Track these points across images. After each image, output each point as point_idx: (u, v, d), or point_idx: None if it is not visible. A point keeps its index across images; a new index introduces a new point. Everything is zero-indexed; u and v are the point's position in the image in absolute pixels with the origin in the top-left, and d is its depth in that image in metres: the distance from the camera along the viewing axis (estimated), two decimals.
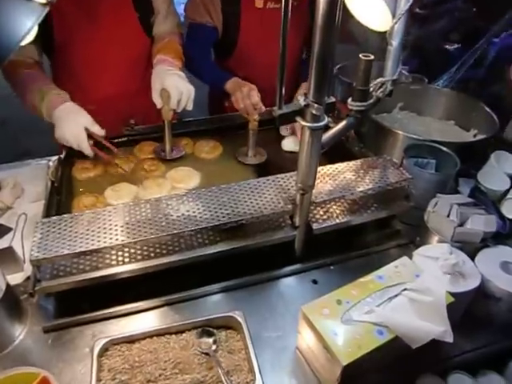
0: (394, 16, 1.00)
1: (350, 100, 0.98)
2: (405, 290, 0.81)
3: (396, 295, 0.81)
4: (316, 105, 0.77)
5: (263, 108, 1.34)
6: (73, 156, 1.36)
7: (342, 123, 0.97)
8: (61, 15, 1.27)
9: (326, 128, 0.87)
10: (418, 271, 0.85)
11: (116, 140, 1.41)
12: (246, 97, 1.34)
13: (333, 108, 0.84)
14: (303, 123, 0.80)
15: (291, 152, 1.45)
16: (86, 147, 1.21)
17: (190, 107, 1.27)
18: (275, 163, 1.40)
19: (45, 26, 1.26)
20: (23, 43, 0.60)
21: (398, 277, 0.85)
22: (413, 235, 1.10)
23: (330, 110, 0.83)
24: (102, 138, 1.26)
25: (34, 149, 1.85)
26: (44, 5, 0.62)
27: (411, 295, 0.78)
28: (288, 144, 1.46)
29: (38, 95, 1.25)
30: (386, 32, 1.02)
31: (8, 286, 0.88)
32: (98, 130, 1.23)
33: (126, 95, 1.50)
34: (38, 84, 1.28)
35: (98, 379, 0.78)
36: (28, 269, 1.01)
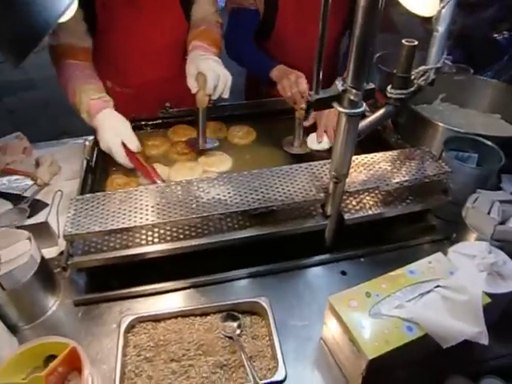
0: (441, 0, 0.96)
1: (389, 87, 0.94)
2: (438, 286, 0.78)
3: (428, 291, 0.78)
4: (354, 90, 0.74)
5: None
6: None
7: (380, 111, 0.94)
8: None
9: (363, 116, 0.84)
10: (453, 268, 0.81)
11: (151, 122, 1.43)
12: (293, 84, 1.29)
13: (372, 95, 0.81)
14: (340, 109, 0.78)
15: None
16: (124, 161, 1.19)
17: (226, 95, 1.21)
18: (320, 156, 1.36)
19: (88, 9, 1.27)
20: (63, 19, 0.60)
21: (431, 273, 0.81)
22: (448, 231, 1.05)
23: (368, 96, 0.80)
24: (138, 153, 1.22)
25: (72, 129, 1.89)
26: None
27: (444, 293, 0.75)
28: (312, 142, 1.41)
29: (78, 96, 1.23)
30: (430, 18, 0.97)
31: (43, 259, 0.91)
32: (134, 147, 1.19)
33: (164, 80, 1.50)
34: (80, 82, 1.26)
35: (124, 354, 0.80)
36: (62, 243, 1.04)
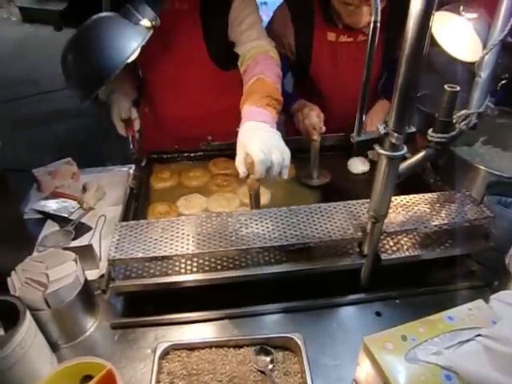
0: (484, 46, 0.97)
1: (430, 131, 0.95)
2: (479, 335, 0.76)
3: (468, 340, 0.76)
4: (396, 134, 0.76)
5: (323, 128, 1.36)
6: (151, 165, 1.45)
7: (421, 154, 0.95)
8: None
9: (404, 158, 0.85)
10: (495, 318, 0.79)
11: (193, 154, 1.49)
12: (305, 117, 1.37)
13: (413, 138, 0.83)
14: (381, 151, 0.79)
15: (357, 174, 1.46)
16: (123, 133, 1.36)
17: (284, 176, 0.97)
18: (340, 185, 1.42)
19: None
20: (128, 61, 0.66)
21: (472, 320, 0.79)
22: (489, 278, 1.03)
23: (409, 140, 0.81)
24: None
25: (117, 156, 1.99)
26: (148, 28, 0.68)
27: (487, 343, 0.73)
28: (355, 165, 1.47)
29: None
30: (473, 63, 0.99)
31: (86, 280, 0.95)
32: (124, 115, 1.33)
33: (196, 117, 1.56)
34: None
35: (157, 381, 0.81)
36: (103, 267, 1.08)
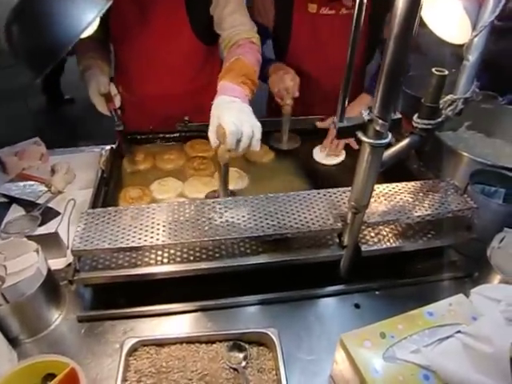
0: (473, 28, 0.92)
1: (415, 117, 0.91)
2: (458, 332, 0.73)
3: (448, 337, 0.73)
4: (381, 121, 0.71)
5: (296, 93, 1.35)
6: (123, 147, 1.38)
7: (405, 141, 0.90)
8: (118, 10, 1.28)
9: (387, 146, 0.80)
10: (476, 313, 0.76)
11: (168, 135, 1.41)
12: (279, 80, 1.35)
13: (398, 125, 0.78)
14: (364, 139, 0.74)
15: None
16: (104, 111, 1.27)
17: (256, 147, 0.98)
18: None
19: (103, 20, 1.29)
20: (83, 35, 0.59)
21: (452, 316, 0.76)
22: (470, 269, 1.00)
23: (394, 126, 0.77)
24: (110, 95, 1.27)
25: (92, 134, 1.90)
26: None
27: (466, 340, 0.70)
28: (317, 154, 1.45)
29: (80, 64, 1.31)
30: (461, 46, 0.94)
31: (49, 271, 0.90)
32: (103, 89, 1.24)
33: (176, 95, 1.50)
34: (87, 57, 1.32)
35: (124, 379, 0.77)
36: (71, 255, 1.02)
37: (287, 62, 1.53)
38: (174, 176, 1.26)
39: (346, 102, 0.74)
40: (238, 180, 1.25)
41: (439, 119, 0.89)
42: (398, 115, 0.78)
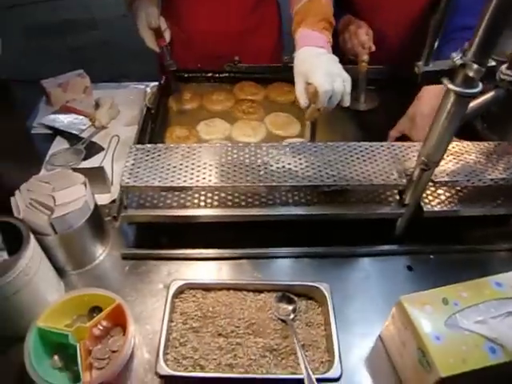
0: None
1: (504, 67, 0.80)
2: None
3: None
4: (476, 65, 0.62)
5: (373, 47, 1.21)
6: (171, 85, 1.31)
7: (489, 94, 0.80)
8: None
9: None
10: None
11: (217, 75, 1.34)
12: (353, 35, 1.22)
13: (492, 74, 0.68)
14: (451, 86, 0.66)
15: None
16: (153, 47, 1.20)
17: (347, 102, 0.92)
18: (390, 111, 1.23)
19: None
20: None
21: None
22: None
23: (487, 75, 0.67)
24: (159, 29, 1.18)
25: (130, 73, 1.84)
26: None
27: None
28: None
29: None
30: None
31: (96, 206, 0.87)
32: (153, 23, 1.15)
33: (227, 33, 1.39)
34: None
35: (170, 320, 0.75)
36: (115, 191, 1.00)
37: (357, 10, 1.37)
38: (221, 118, 1.20)
39: (436, 44, 0.65)
40: (289, 126, 1.18)
41: None
42: (493, 62, 0.68)
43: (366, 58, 1.20)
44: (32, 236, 0.72)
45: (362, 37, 1.20)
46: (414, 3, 1.26)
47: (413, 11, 1.27)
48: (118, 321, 0.74)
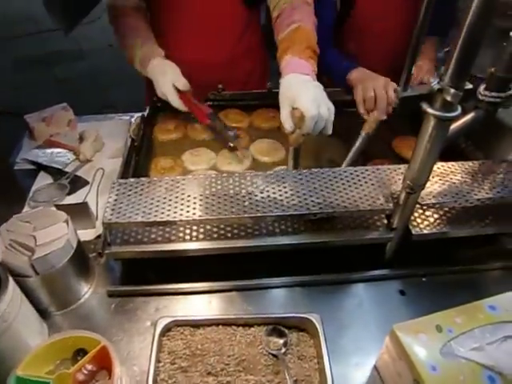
0: None
1: (482, 88, 0.81)
2: None
3: None
4: (453, 90, 0.62)
5: (390, 108, 1.02)
6: (156, 115, 1.31)
7: (469, 116, 0.81)
8: None
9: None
10: None
11: None
12: (381, 87, 1.04)
13: (468, 96, 0.69)
14: (430, 111, 0.66)
15: None
16: (177, 103, 1.14)
17: (329, 130, 0.92)
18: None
19: None
20: None
21: None
22: None
23: (464, 98, 0.67)
24: (189, 92, 1.15)
25: (118, 103, 1.85)
26: None
27: None
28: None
29: (133, 51, 1.19)
30: None
31: (79, 243, 0.85)
32: (182, 85, 1.11)
33: (212, 63, 1.40)
34: (134, 38, 1.21)
35: (158, 360, 0.73)
36: (100, 226, 0.98)
37: (349, 26, 1.38)
38: (206, 147, 1.20)
39: (413, 70, 0.65)
40: (275, 152, 1.18)
41: (511, 91, 0.79)
42: (469, 85, 0.69)
43: (375, 117, 1.04)
44: (11, 279, 0.70)
45: (392, 92, 1.00)
46: None
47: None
48: (104, 363, 0.71)
